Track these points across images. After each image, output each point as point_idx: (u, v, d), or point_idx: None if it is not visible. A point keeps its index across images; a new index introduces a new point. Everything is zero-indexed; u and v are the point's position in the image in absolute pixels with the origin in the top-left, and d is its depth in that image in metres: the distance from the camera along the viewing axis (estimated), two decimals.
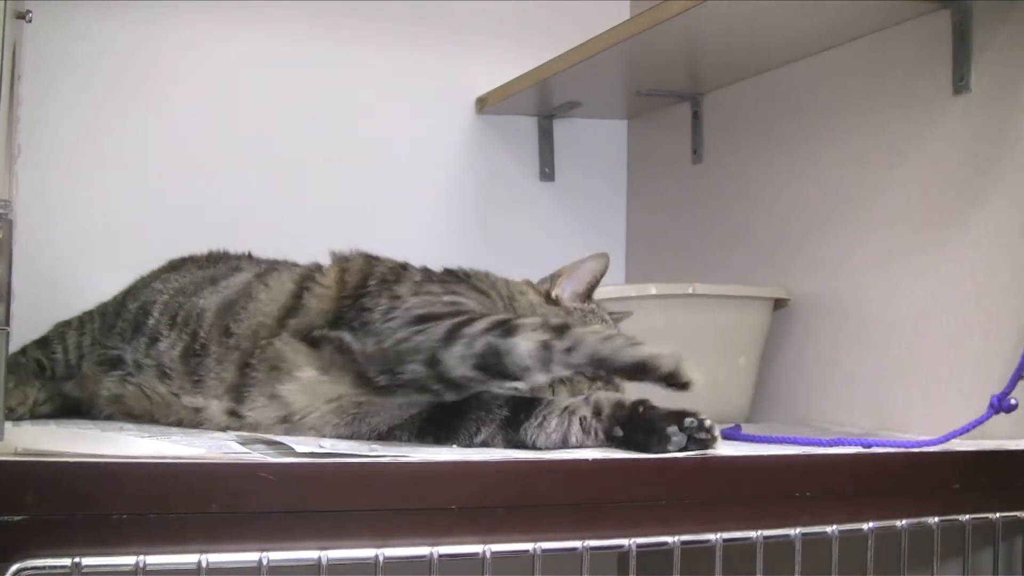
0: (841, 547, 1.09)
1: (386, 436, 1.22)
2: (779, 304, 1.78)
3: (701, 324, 1.72)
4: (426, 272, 1.37)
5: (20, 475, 0.84)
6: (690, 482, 1.06)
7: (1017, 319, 1.38)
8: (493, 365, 1.12)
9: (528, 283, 1.44)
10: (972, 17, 1.47)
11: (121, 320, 1.49)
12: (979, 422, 1.27)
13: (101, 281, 1.66)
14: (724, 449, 1.12)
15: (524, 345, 1.11)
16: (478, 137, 2.13)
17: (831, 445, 1.24)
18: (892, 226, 1.60)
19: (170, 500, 0.87)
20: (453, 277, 1.38)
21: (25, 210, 1.55)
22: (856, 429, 1.54)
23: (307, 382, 1.25)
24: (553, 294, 1.41)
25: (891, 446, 1.24)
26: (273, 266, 1.49)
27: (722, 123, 2.00)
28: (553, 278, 1.44)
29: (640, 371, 1.07)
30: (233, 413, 1.29)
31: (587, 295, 1.43)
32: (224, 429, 1.28)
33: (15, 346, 1.54)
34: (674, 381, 1.07)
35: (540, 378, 1.12)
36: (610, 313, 1.45)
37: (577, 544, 0.97)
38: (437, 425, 1.18)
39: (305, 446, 1.04)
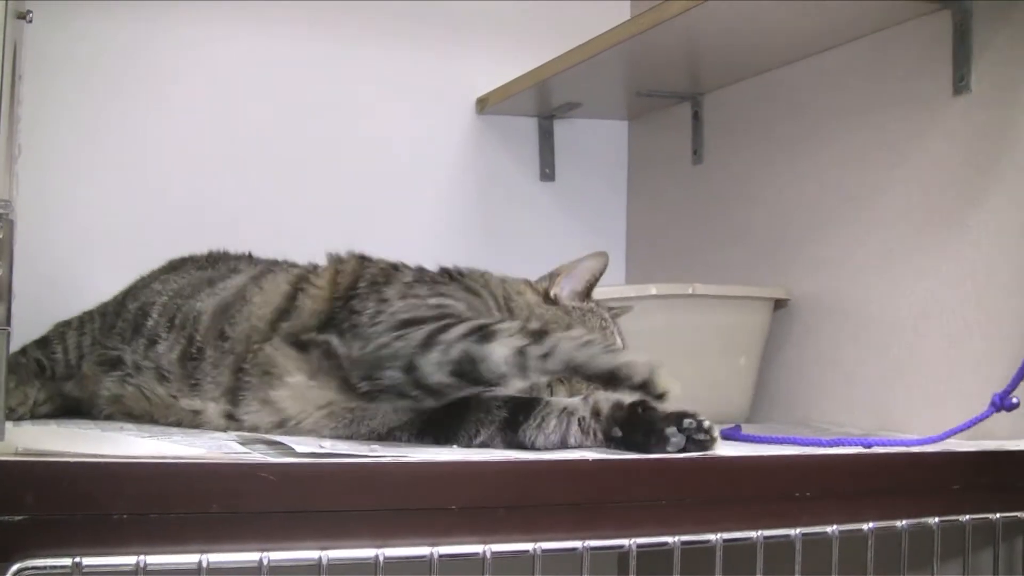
0: (841, 547, 1.09)
1: (385, 437, 1.22)
2: (779, 304, 1.79)
3: (701, 324, 1.72)
4: (418, 273, 1.37)
5: (21, 475, 0.84)
6: (690, 482, 1.06)
7: (1017, 319, 1.38)
8: (469, 372, 1.12)
9: (526, 282, 1.43)
10: (972, 17, 1.47)
11: (121, 320, 1.50)
12: (979, 419, 1.27)
13: (101, 281, 1.66)
14: (724, 449, 1.12)
15: (500, 351, 1.11)
16: (478, 137, 2.13)
17: (832, 445, 1.24)
18: (892, 226, 1.60)
19: (170, 500, 0.87)
20: (446, 277, 1.38)
21: (25, 210, 1.55)
22: (856, 429, 1.54)
23: (297, 388, 1.26)
24: (552, 293, 1.41)
25: (892, 445, 1.24)
26: (269, 268, 1.48)
27: (722, 123, 2.00)
28: (552, 277, 1.43)
29: (614, 379, 1.06)
30: (230, 416, 1.30)
31: (586, 293, 1.43)
32: (223, 431, 1.28)
33: (15, 346, 1.54)
34: (649, 391, 1.07)
35: (517, 383, 1.12)
36: (609, 309, 1.44)
37: (577, 544, 0.97)
38: (436, 426, 1.18)
39: (305, 446, 1.04)
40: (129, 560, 0.84)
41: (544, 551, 0.96)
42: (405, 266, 1.39)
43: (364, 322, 1.24)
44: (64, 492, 0.85)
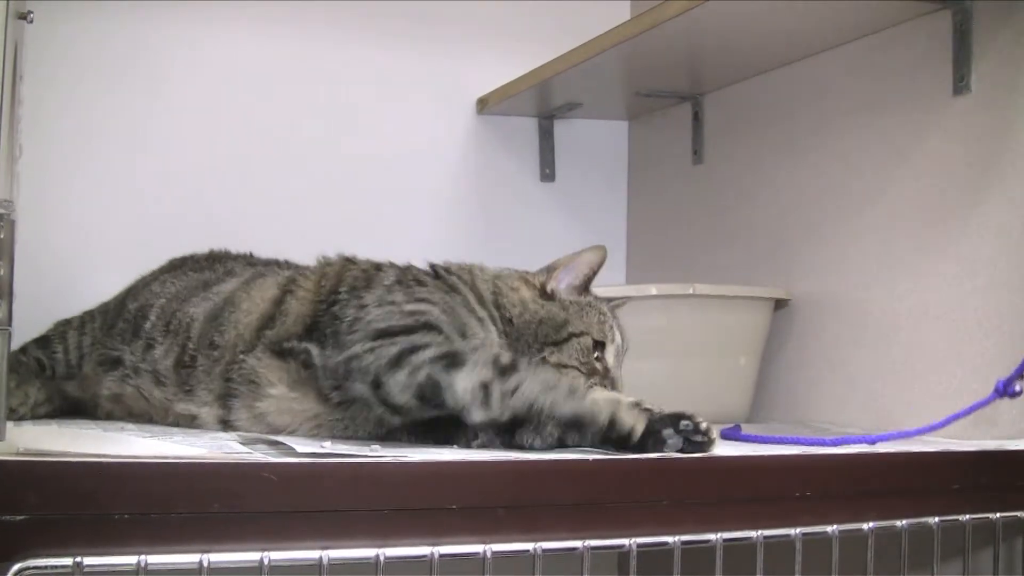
0: (841, 547, 1.09)
1: (385, 438, 1.22)
2: (779, 304, 1.79)
3: (701, 324, 1.72)
4: (401, 273, 1.36)
5: (22, 475, 0.84)
6: (690, 482, 1.06)
7: (1018, 319, 1.38)
8: (432, 397, 1.13)
9: (522, 277, 1.42)
10: (972, 18, 1.47)
11: (122, 321, 1.50)
12: (982, 404, 1.26)
13: (101, 280, 1.66)
14: (724, 449, 1.12)
15: (463, 383, 1.11)
16: (479, 138, 2.14)
17: (836, 444, 1.24)
18: (892, 226, 1.60)
19: (171, 500, 0.87)
20: (430, 275, 1.38)
21: (26, 209, 1.55)
22: (856, 429, 1.54)
23: (281, 399, 1.27)
24: (548, 288, 1.39)
25: (895, 438, 1.24)
26: (261, 272, 1.48)
27: (723, 123, 2.00)
28: (549, 270, 1.41)
29: (579, 424, 1.06)
30: (224, 422, 1.31)
31: (584, 287, 1.41)
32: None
33: (15, 344, 1.54)
34: (615, 431, 1.06)
35: (478, 415, 1.11)
36: (608, 301, 1.43)
37: (577, 544, 0.97)
38: (436, 430, 1.18)
39: (306, 446, 1.04)
40: (130, 560, 0.84)
41: (544, 551, 0.96)
42: (389, 266, 1.38)
43: (343, 329, 1.24)
44: (65, 492, 0.85)
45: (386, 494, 0.94)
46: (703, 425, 1.09)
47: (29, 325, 1.57)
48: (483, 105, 2.11)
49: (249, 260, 1.62)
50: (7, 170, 1.30)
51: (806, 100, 1.79)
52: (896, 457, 1.21)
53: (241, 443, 1.11)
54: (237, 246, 1.68)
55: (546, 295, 1.38)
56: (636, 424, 1.06)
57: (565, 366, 1.31)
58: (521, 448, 1.12)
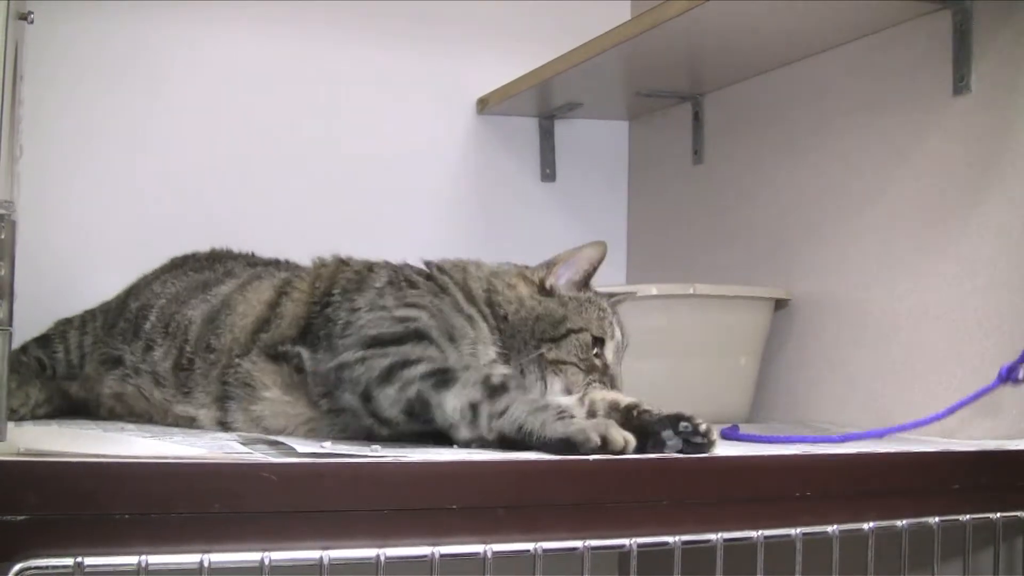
0: (842, 547, 1.09)
1: (384, 438, 1.22)
2: (779, 304, 1.79)
3: (702, 324, 1.72)
4: (393, 273, 1.36)
5: (22, 475, 0.84)
6: (691, 482, 1.06)
7: (1018, 319, 1.38)
8: (421, 413, 1.13)
9: (521, 273, 1.40)
10: (972, 18, 1.47)
11: (123, 320, 1.50)
12: (986, 391, 1.27)
13: (101, 280, 1.66)
14: (724, 449, 1.12)
15: (452, 403, 1.11)
16: (479, 138, 2.14)
17: (843, 441, 1.24)
18: (892, 226, 1.60)
19: (172, 500, 0.87)
20: (423, 275, 1.37)
21: (26, 210, 1.55)
22: (856, 429, 1.54)
23: (275, 403, 1.27)
24: (547, 283, 1.38)
25: (902, 430, 1.23)
26: (258, 274, 1.48)
27: (723, 123, 2.00)
28: (549, 266, 1.40)
29: (569, 446, 1.04)
30: (222, 423, 1.31)
31: (584, 283, 1.39)
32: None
33: (15, 344, 1.54)
34: (604, 452, 1.05)
35: (465, 435, 1.11)
36: (610, 296, 1.43)
37: (578, 544, 0.97)
38: (424, 441, 1.18)
39: (306, 446, 1.04)
40: (131, 560, 0.84)
41: (545, 551, 0.96)
42: (382, 266, 1.38)
43: (336, 332, 1.25)
44: (66, 492, 0.85)
45: (386, 494, 0.94)
46: (702, 427, 1.09)
47: (30, 325, 1.57)
48: (483, 105, 2.11)
49: (250, 260, 1.62)
50: (7, 170, 1.30)
51: (806, 100, 1.79)
52: (896, 457, 1.21)
53: (241, 443, 1.11)
54: (237, 246, 1.68)
55: (545, 291, 1.37)
56: (627, 444, 1.05)
57: (563, 362, 1.30)
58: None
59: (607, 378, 1.32)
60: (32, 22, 1.30)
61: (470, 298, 1.35)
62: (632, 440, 1.06)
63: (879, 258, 1.62)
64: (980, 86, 1.47)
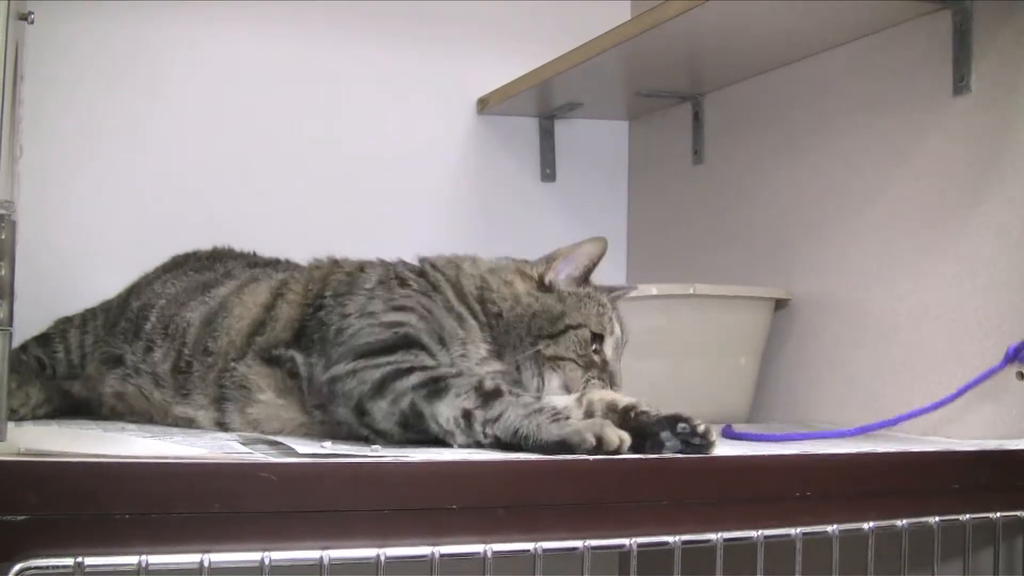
0: (841, 547, 1.09)
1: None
2: (779, 304, 1.79)
3: (702, 324, 1.72)
4: (384, 272, 1.35)
5: (22, 475, 0.84)
6: (691, 482, 1.06)
7: (1018, 319, 1.38)
8: (415, 425, 1.13)
9: (519, 269, 1.39)
10: (972, 18, 1.47)
11: (124, 319, 1.50)
12: (993, 371, 1.27)
13: (101, 280, 1.66)
14: (724, 449, 1.12)
15: (446, 413, 1.11)
16: (479, 138, 2.14)
17: (857, 434, 1.24)
18: (892, 226, 1.60)
19: (172, 500, 0.87)
20: (415, 272, 1.37)
21: (26, 210, 1.55)
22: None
23: (269, 405, 1.28)
24: (547, 279, 1.36)
25: (913, 416, 1.23)
26: (255, 276, 1.48)
27: (723, 123, 2.00)
28: (548, 260, 1.38)
29: (565, 447, 1.04)
30: (220, 424, 1.32)
31: (583, 278, 1.38)
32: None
33: (15, 342, 1.54)
34: (600, 453, 1.05)
35: (461, 441, 1.11)
36: (609, 290, 1.42)
37: (578, 544, 0.97)
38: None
39: (306, 446, 1.04)
40: (131, 560, 0.84)
41: (545, 551, 0.96)
42: (373, 265, 1.38)
43: (330, 337, 1.24)
44: (66, 492, 0.85)
45: (386, 494, 0.94)
46: (700, 427, 1.09)
47: (30, 325, 1.57)
48: (483, 105, 2.11)
49: (251, 260, 1.62)
50: (8, 170, 1.30)
51: (806, 100, 1.79)
52: (896, 457, 1.21)
53: (241, 443, 1.11)
54: (238, 246, 1.68)
55: (544, 286, 1.36)
56: (623, 443, 1.05)
57: (562, 358, 1.29)
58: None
59: (606, 375, 1.31)
60: (32, 22, 1.30)
61: (461, 296, 1.34)
62: (627, 439, 1.06)
63: (879, 258, 1.62)
64: (980, 86, 1.47)
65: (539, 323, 1.32)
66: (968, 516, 1.16)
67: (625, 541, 0.99)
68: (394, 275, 1.34)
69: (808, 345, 1.75)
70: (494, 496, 0.97)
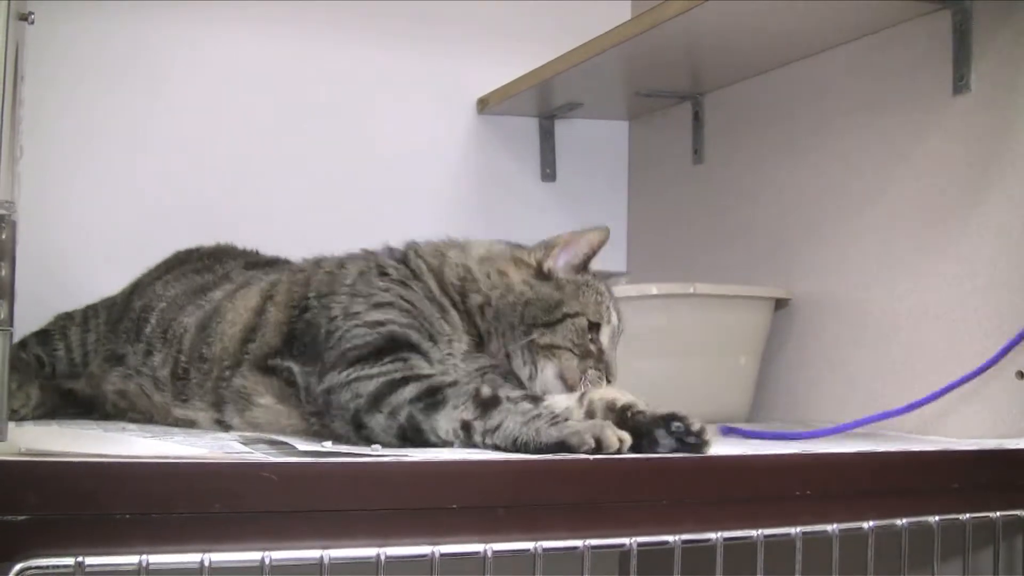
0: (841, 546, 1.09)
1: None
2: (780, 304, 1.79)
3: (702, 324, 1.72)
4: (364, 262, 1.33)
5: (23, 475, 0.84)
6: (690, 481, 1.06)
7: (1018, 319, 1.38)
8: (414, 438, 1.12)
9: (514, 257, 1.36)
10: (972, 17, 1.47)
11: (127, 319, 1.50)
12: (1002, 353, 1.28)
13: (101, 280, 1.66)
14: (724, 448, 1.12)
15: (445, 426, 1.11)
16: (479, 138, 2.14)
17: (866, 423, 1.24)
18: (892, 226, 1.60)
19: (173, 500, 0.87)
20: (397, 259, 1.35)
21: (27, 210, 1.55)
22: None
23: (268, 409, 1.28)
24: (545, 267, 1.34)
25: (922, 404, 1.24)
26: (248, 280, 1.47)
27: (723, 123, 2.00)
28: (548, 247, 1.36)
29: (565, 448, 1.04)
30: (220, 423, 1.32)
31: (583, 266, 1.36)
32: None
33: (15, 339, 1.54)
34: (599, 453, 1.05)
35: (461, 449, 1.11)
36: (607, 277, 1.41)
37: (578, 543, 0.97)
38: None
39: (307, 445, 1.04)
40: (131, 560, 0.84)
41: (545, 550, 0.96)
42: (354, 258, 1.36)
43: (320, 341, 1.24)
44: (66, 492, 0.85)
45: (386, 494, 0.94)
46: (695, 426, 1.09)
47: (31, 326, 1.58)
48: (483, 105, 2.11)
49: (250, 259, 1.62)
50: (8, 170, 1.30)
51: (806, 100, 1.79)
52: (896, 457, 1.21)
53: (242, 443, 1.11)
54: (239, 245, 1.68)
55: (542, 274, 1.34)
56: (622, 444, 1.05)
57: (557, 347, 1.27)
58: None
59: (602, 364, 1.28)
60: (32, 22, 1.30)
61: (442, 286, 1.32)
62: (628, 439, 1.06)
63: (879, 258, 1.62)
64: (980, 86, 1.47)
65: (533, 311, 1.29)
66: (968, 515, 1.16)
67: (625, 540, 0.99)
68: (374, 265, 1.33)
69: (808, 345, 1.75)
70: (494, 496, 0.97)
